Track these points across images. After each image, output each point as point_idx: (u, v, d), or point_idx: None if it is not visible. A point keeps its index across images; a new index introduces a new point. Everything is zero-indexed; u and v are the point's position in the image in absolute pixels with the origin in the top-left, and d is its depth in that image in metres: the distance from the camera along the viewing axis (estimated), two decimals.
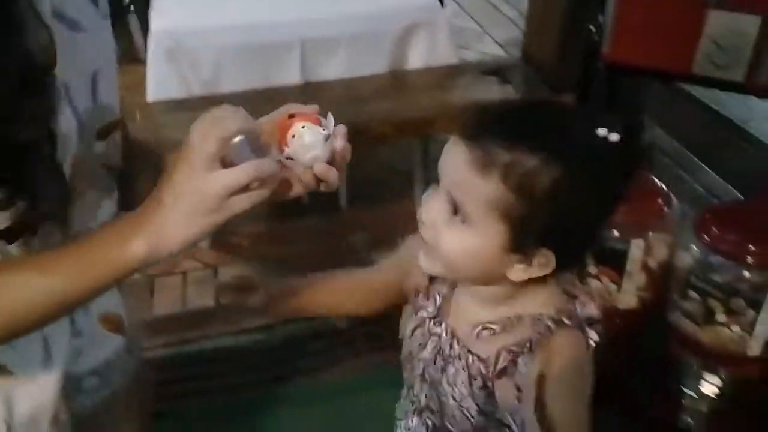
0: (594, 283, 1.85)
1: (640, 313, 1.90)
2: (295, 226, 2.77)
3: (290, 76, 2.44)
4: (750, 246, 1.67)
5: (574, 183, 0.80)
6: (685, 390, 1.84)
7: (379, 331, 2.10)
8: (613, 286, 1.84)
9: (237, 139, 0.72)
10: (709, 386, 1.81)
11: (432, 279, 0.99)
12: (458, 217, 0.84)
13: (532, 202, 0.80)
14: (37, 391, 0.90)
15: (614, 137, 0.79)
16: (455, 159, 0.83)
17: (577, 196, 0.80)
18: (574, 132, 0.82)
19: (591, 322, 0.91)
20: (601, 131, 0.79)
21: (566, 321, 0.89)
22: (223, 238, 2.66)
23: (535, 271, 0.86)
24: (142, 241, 0.72)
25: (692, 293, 1.74)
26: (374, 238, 2.65)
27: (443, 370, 0.95)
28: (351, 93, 2.41)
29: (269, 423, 2.08)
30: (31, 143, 0.75)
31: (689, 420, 1.87)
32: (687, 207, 1.94)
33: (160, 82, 2.36)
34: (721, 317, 1.72)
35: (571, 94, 2.31)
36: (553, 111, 0.87)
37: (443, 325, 0.96)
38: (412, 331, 1.00)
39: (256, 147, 0.74)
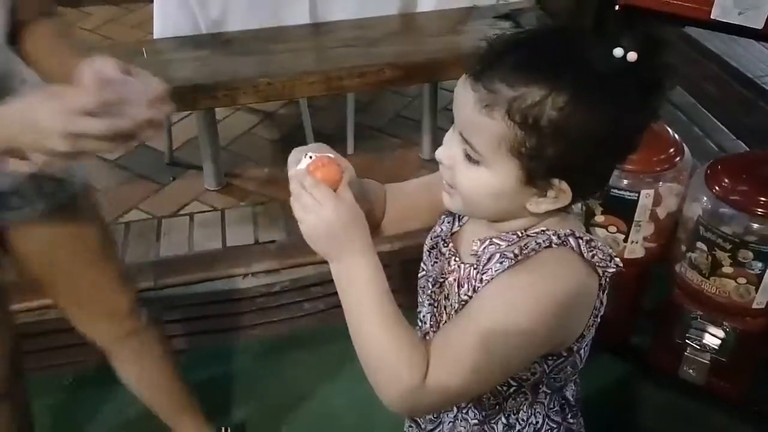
0: (601, 232, 1.83)
1: (646, 263, 1.89)
2: None
3: (299, 16, 2.39)
4: (760, 197, 1.65)
5: (584, 110, 0.76)
6: (688, 341, 1.84)
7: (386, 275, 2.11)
8: (620, 236, 1.83)
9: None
10: (712, 338, 1.81)
11: (437, 230, 1.00)
12: (472, 158, 0.82)
13: (540, 135, 0.77)
14: None
15: (631, 56, 0.76)
16: (462, 100, 0.81)
17: (588, 124, 0.77)
18: (585, 56, 0.78)
19: (607, 265, 0.86)
20: (617, 51, 0.76)
21: (572, 243, 0.85)
22: (229, 181, 2.66)
23: (551, 203, 0.84)
24: None
25: (700, 244, 1.73)
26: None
27: (441, 286, 0.97)
28: (360, 35, 2.37)
29: (276, 365, 2.10)
30: None
31: (691, 371, 1.87)
32: (698, 163, 1.92)
33: (168, 19, 2.31)
34: (727, 269, 1.70)
35: None
36: (560, 38, 0.82)
37: (450, 246, 0.97)
38: (429, 251, 1.01)
39: None
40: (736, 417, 1.86)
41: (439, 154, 0.87)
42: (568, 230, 0.86)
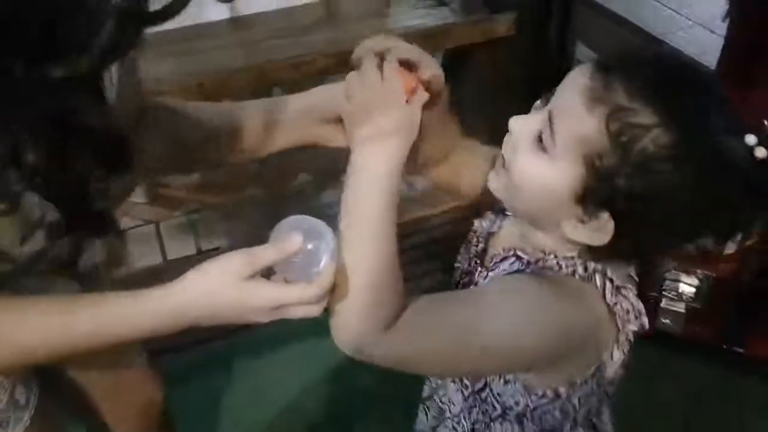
0: None
1: None
2: (235, 173, 2.63)
3: (219, 10, 2.27)
4: None
5: (680, 166, 0.71)
6: (663, 293, 1.88)
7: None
8: None
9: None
10: (687, 287, 1.86)
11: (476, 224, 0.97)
12: (543, 142, 0.77)
13: (624, 158, 0.72)
14: None
15: (761, 153, 0.70)
16: (575, 82, 0.76)
17: (677, 182, 0.71)
18: (712, 117, 0.72)
19: (628, 319, 0.82)
20: (750, 138, 0.70)
21: (597, 281, 0.79)
22: (159, 191, 2.51)
23: (586, 236, 0.78)
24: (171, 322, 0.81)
25: None
26: (318, 180, 2.56)
27: (470, 277, 0.95)
28: (286, 24, 2.28)
29: (236, 374, 2.03)
30: None
31: (668, 321, 1.92)
32: None
33: None
34: None
35: (511, 13, 2.31)
36: (703, 84, 0.75)
37: (479, 246, 0.95)
38: (466, 244, 0.98)
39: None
40: (714, 359, 1.93)
41: (515, 122, 0.81)
42: (599, 266, 0.80)
